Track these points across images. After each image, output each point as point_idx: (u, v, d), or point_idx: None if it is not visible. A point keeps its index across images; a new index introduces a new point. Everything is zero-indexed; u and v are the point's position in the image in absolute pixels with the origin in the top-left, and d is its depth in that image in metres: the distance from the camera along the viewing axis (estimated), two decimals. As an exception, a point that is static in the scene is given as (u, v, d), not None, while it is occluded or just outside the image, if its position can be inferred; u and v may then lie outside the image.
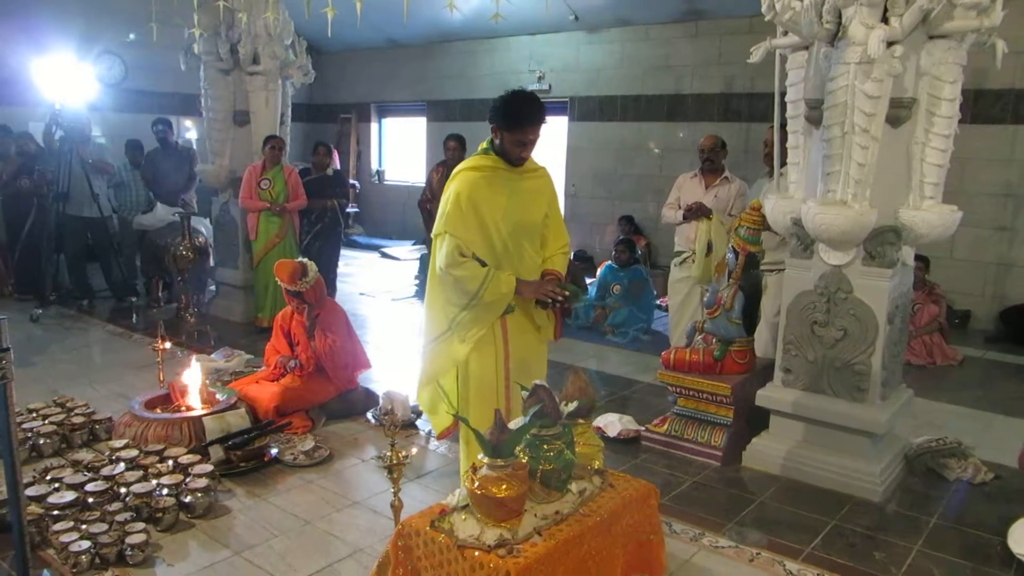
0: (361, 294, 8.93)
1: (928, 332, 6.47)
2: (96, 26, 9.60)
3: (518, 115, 3.04)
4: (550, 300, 3.11)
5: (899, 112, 3.69)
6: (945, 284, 7.18)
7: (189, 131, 11.49)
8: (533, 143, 3.10)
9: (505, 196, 3.12)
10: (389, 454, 2.79)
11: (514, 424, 2.58)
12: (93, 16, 9.69)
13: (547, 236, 3.33)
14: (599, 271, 7.88)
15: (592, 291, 7.70)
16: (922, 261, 6.68)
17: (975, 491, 4.04)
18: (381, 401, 4.82)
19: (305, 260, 4.81)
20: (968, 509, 3.84)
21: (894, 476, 4.06)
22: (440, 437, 3.55)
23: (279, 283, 4.74)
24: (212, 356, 5.70)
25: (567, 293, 3.14)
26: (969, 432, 4.60)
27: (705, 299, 4.50)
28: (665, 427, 4.50)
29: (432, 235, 3.21)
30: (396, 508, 2.83)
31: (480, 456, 2.50)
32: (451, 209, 3.09)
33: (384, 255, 11.74)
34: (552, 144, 11.46)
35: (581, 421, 2.85)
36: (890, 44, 3.53)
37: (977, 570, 3.28)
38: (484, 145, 3.22)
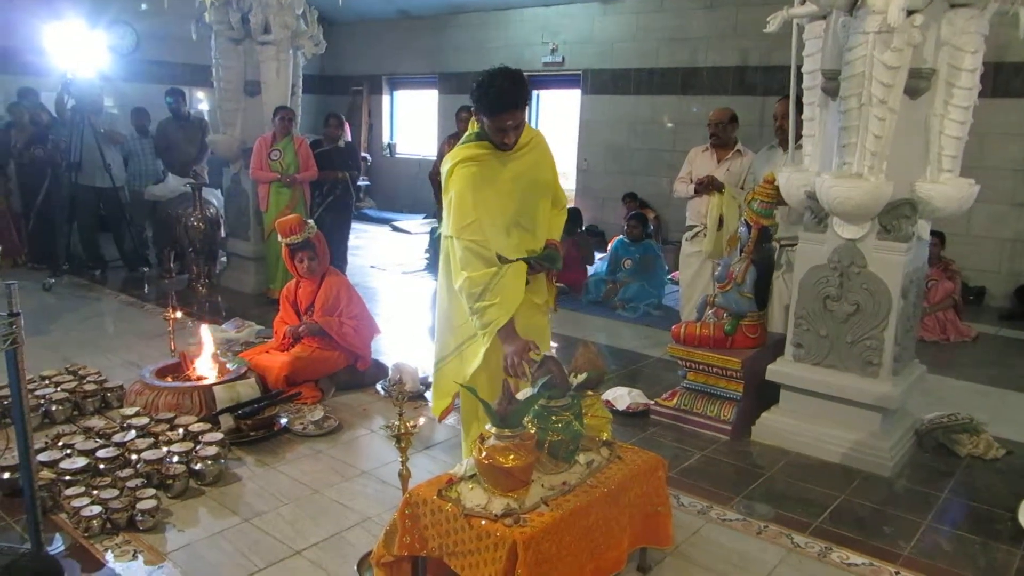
0: (372, 267, 8.94)
1: (942, 308, 6.42)
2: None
3: (493, 101, 2.82)
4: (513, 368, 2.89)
5: (918, 83, 3.61)
6: (961, 260, 7.11)
7: (201, 102, 11.49)
8: (515, 128, 2.90)
9: (499, 182, 2.97)
10: (397, 423, 2.79)
11: (522, 395, 2.57)
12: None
13: None
14: (610, 246, 7.85)
15: (603, 266, 7.68)
16: (937, 237, 6.60)
17: (986, 467, 4.01)
18: (391, 372, 4.83)
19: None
20: (979, 485, 3.82)
21: (905, 452, 4.04)
22: (441, 418, 3.41)
23: (282, 242, 4.73)
24: (223, 327, 5.72)
25: (530, 368, 2.84)
26: (982, 408, 4.56)
27: (716, 273, 4.46)
28: (674, 401, 4.49)
29: (444, 235, 3.05)
30: (404, 477, 2.83)
31: (488, 426, 2.51)
32: (457, 211, 2.92)
33: (395, 228, 11.72)
34: (565, 117, 11.38)
35: (590, 393, 2.85)
36: (910, 13, 3.45)
37: (986, 545, 3.27)
38: (473, 128, 3.04)
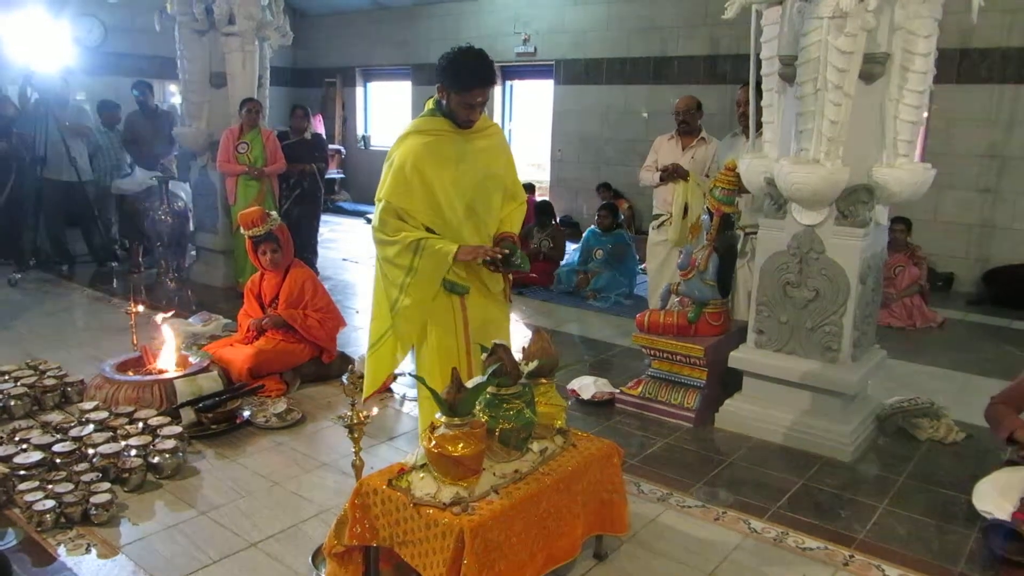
0: (344, 260, 8.89)
1: (909, 295, 6.48)
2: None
3: (465, 76, 2.86)
4: (490, 259, 2.99)
5: (872, 68, 3.63)
6: (929, 246, 7.19)
7: (174, 96, 11.34)
8: (481, 105, 2.95)
9: (454, 161, 2.98)
10: (350, 414, 2.77)
11: (472, 383, 2.56)
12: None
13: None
14: (583, 236, 7.85)
15: (575, 255, 7.68)
16: (904, 223, 6.67)
17: (945, 451, 4.05)
18: (356, 364, 4.80)
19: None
20: (937, 468, 3.86)
21: (865, 436, 4.07)
22: (366, 399, 3.35)
23: (244, 234, 4.70)
24: (189, 320, 5.67)
25: (506, 252, 3.02)
26: (945, 393, 4.61)
27: (679, 261, 4.47)
28: (639, 389, 4.50)
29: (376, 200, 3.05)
30: (357, 467, 2.81)
31: (438, 415, 2.50)
32: (393, 176, 2.93)
33: (369, 221, 11.63)
34: (538, 108, 11.36)
35: (544, 381, 2.84)
36: (864, -2, 3.47)
37: (941, 527, 3.30)
38: (431, 104, 3.07)
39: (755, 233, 4.64)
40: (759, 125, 4.18)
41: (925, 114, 3.79)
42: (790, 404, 4.05)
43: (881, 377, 4.41)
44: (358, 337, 5.66)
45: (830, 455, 3.88)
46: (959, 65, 7.26)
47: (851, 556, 3.06)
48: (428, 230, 2.99)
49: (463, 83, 2.88)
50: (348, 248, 9.59)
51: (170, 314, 5.12)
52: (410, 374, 2.97)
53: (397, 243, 2.96)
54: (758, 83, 4.11)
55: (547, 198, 10.26)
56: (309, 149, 7.26)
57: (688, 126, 5.28)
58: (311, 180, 7.20)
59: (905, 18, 3.59)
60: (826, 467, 3.80)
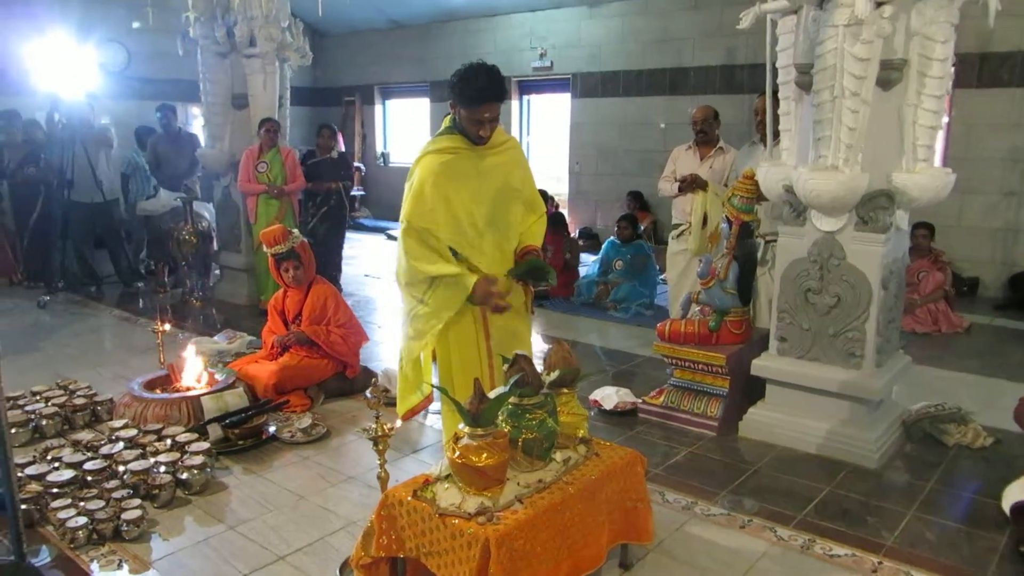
0: (366, 276, 8.96)
1: (933, 300, 6.41)
2: (97, 13, 9.60)
3: (472, 92, 2.88)
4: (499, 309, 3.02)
5: (889, 74, 3.63)
6: (953, 251, 7.12)
7: (196, 118, 11.52)
8: (492, 121, 2.95)
9: (472, 177, 3.00)
10: (375, 427, 2.80)
11: (495, 394, 2.58)
12: (93, 2, 9.70)
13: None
14: (602, 247, 7.86)
15: (594, 267, 7.69)
16: (927, 228, 6.61)
17: (974, 456, 4.01)
18: (379, 378, 4.83)
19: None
20: (965, 474, 3.82)
21: (891, 443, 4.04)
22: (404, 418, 3.40)
23: (267, 252, 4.76)
24: (215, 338, 5.75)
25: (509, 306, 3.04)
26: (972, 398, 4.56)
27: (699, 270, 4.47)
28: (661, 399, 4.50)
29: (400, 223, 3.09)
30: (383, 480, 2.84)
31: (461, 426, 2.52)
32: (414, 197, 2.96)
33: (390, 237, 11.76)
34: (555, 121, 11.42)
35: (565, 391, 2.85)
36: (879, 4, 3.47)
37: (971, 533, 3.26)
38: (447, 123, 3.09)
39: (775, 240, 4.63)
40: (776, 133, 4.19)
41: (944, 119, 3.78)
42: (814, 411, 4.03)
43: (906, 383, 4.37)
44: (381, 352, 5.70)
45: (856, 462, 3.85)
46: (979, 69, 7.22)
47: (879, 563, 3.03)
48: (452, 251, 3.01)
49: (471, 100, 2.90)
50: (369, 264, 9.66)
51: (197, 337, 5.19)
52: (433, 385, 3.00)
53: (416, 273, 3.00)
54: (775, 91, 4.12)
55: (563, 210, 10.30)
56: (335, 167, 7.35)
57: (706, 136, 5.29)
58: (337, 198, 7.29)
59: (922, 24, 3.58)
60: (852, 474, 3.78)
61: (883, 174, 3.74)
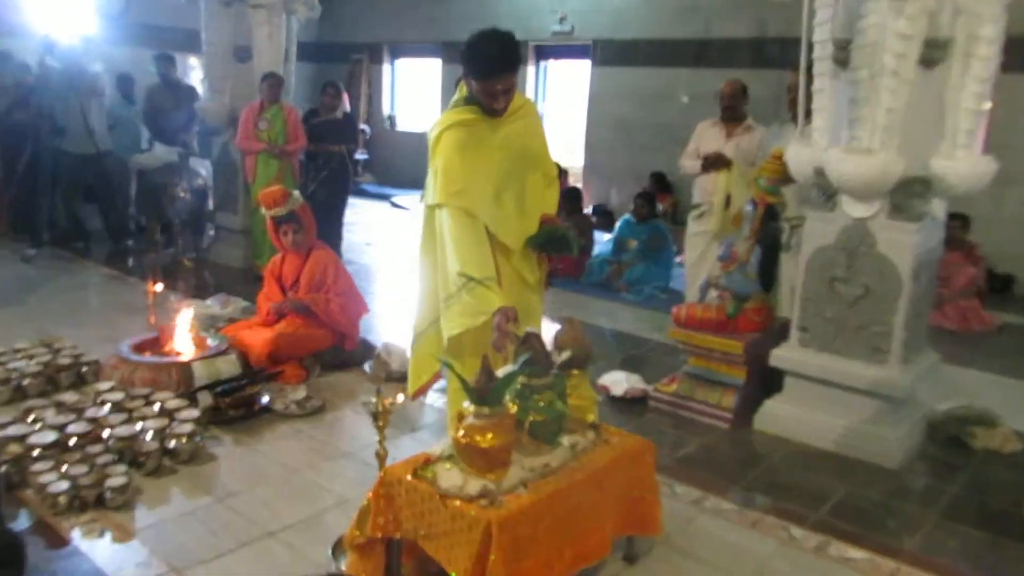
0: (367, 244, 8.74)
1: (965, 296, 6.09)
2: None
3: (483, 63, 2.72)
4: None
5: (933, 53, 3.42)
6: (988, 246, 6.73)
7: (194, 70, 11.13)
8: (505, 92, 2.77)
9: (496, 149, 2.86)
10: (375, 400, 2.64)
11: (503, 372, 2.41)
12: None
13: None
14: (617, 225, 7.63)
15: (607, 246, 7.45)
16: (961, 219, 6.25)
17: (1001, 461, 3.83)
18: (379, 351, 4.66)
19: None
20: (991, 479, 3.66)
21: (914, 444, 3.87)
22: (414, 397, 3.29)
23: (265, 214, 4.56)
24: (208, 302, 5.56)
25: (512, 349, 2.68)
26: (1002, 401, 4.34)
27: (719, 253, 4.28)
28: (674, 387, 4.32)
29: (427, 204, 2.93)
30: (381, 457, 2.67)
31: (466, 404, 2.36)
32: (444, 177, 2.79)
33: (395, 205, 11.53)
34: (573, 89, 11.12)
35: (575, 372, 2.69)
36: (927, -22, 3.26)
37: (995, 541, 3.12)
38: (462, 92, 2.91)
39: (801, 225, 4.44)
40: (809, 112, 3.98)
41: (989, 104, 3.57)
42: (834, 407, 3.84)
43: (933, 382, 4.17)
44: (381, 324, 5.51)
45: (876, 462, 3.68)
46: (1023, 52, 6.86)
47: (897, 568, 2.89)
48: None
49: (483, 71, 2.74)
50: (371, 232, 9.44)
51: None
52: (441, 360, 2.84)
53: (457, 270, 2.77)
54: (809, 67, 3.90)
55: (578, 185, 10.01)
56: (339, 129, 7.06)
57: (733, 112, 5.07)
58: (339, 162, 7.01)
59: (970, 1, 3.37)
60: (872, 474, 3.61)
61: (920, 159, 3.54)
